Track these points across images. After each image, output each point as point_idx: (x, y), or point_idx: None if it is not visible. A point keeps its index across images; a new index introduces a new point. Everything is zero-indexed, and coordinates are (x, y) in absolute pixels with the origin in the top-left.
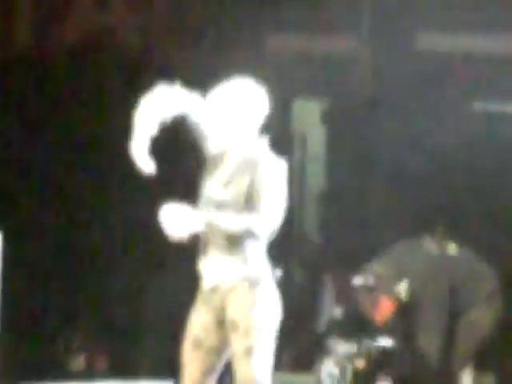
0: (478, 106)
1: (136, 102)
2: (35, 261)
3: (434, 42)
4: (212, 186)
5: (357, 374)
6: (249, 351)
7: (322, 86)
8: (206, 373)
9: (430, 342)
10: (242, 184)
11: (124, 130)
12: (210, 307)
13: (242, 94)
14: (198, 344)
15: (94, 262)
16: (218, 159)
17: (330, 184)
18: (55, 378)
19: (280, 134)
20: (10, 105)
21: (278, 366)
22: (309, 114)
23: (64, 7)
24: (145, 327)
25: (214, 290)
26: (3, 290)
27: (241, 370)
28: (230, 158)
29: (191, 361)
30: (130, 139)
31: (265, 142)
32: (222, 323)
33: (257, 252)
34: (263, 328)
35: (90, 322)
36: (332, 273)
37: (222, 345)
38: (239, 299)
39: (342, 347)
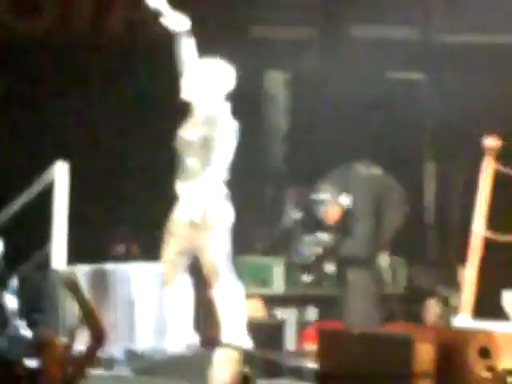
0: (391, 73)
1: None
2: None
3: (364, 31)
4: (184, 129)
5: (315, 258)
6: (207, 244)
7: (286, 62)
8: (179, 254)
9: (361, 235)
10: (204, 132)
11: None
12: (185, 211)
13: (217, 68)
14: (173, 234)
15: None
16: (191, 110)
17: (291, 128)
18: (101, 260)
19: (256, 95)
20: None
21: (255, 251)
22: (277, 81)
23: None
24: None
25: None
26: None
27: (203, 258)
28: (200, 111)
29: (168, 245)
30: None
31: (227, 105)
32: (192, 224)
33: (213, 178)
34: (216, 226)
35: (129, 218)
36: (294, 189)
37: (192, 237)
38: (200, 208)
39: (304, 238)
